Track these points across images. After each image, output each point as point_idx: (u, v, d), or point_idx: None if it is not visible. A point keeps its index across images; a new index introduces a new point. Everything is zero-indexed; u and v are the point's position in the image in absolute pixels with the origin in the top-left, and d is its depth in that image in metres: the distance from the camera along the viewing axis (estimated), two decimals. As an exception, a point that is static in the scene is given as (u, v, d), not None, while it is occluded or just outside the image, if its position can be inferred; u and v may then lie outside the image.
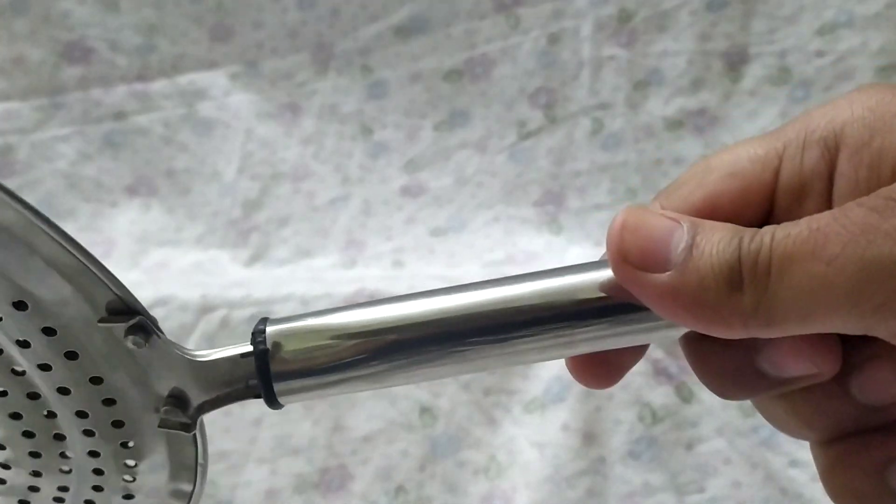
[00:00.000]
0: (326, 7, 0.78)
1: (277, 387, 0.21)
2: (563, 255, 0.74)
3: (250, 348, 0.21)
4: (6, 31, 0.79)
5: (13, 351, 0.22)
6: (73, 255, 0.20)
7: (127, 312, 0.21)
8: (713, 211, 0.21)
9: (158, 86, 0.78)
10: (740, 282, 0.18)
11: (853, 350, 0.21)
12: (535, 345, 0.21)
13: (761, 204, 0.22)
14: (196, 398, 0.22)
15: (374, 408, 0.64)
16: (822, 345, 0.20)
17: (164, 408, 0.22)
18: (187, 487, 0.25)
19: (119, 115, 0.78)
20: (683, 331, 0.22)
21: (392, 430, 0.64)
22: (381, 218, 0.77)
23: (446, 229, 0.76)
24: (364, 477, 0.63)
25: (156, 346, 0.21)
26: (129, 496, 0.25)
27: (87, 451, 0.24)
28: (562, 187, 0.77)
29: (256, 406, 0.65)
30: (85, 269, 0.20)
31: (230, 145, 0.78)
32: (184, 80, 0.79)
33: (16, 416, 0.23)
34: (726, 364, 0.22)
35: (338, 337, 0.20)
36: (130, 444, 0.23)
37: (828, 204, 0.21)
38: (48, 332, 0.21)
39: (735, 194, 0.22)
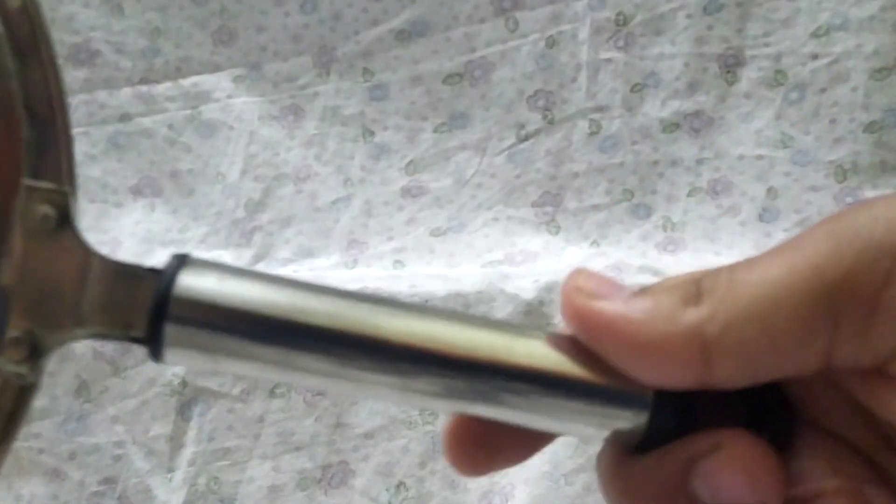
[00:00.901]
0: (328, 11, 0.79)
1: (168, 333, 0.17)
2: (560, 254, 0.75)
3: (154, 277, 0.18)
4: (12, 33, 0.80)
5: None
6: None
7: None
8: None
9: (163, 88, 0.79)
10: (697, 295, 0.17)
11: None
12: (434, 389, 0.18)
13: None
14: (53, 333, 0.17)
15: (376, 405, 0.64)
16: (766, 463, 0.17)
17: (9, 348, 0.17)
18: None
19: (124, 117, 0.78)
20: (606, 431, 0.19)
21: (393, 426, 0.64)
22: (382, 218, 0.77)
23: (446, 229, 0.77)
24: (365, 473, 0.64)
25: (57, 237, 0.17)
26: None
27: None
28: (560, 188, 0.77)
29: (259, 403, 0.66)
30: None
31: (234, 147, 0.78)
32: (188, 82, 0.79)
33: None
34: (654, 487, 0.18)
35: (250, 312, 0.17)
36: None
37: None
38: None
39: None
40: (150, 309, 0.17)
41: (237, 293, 0.17)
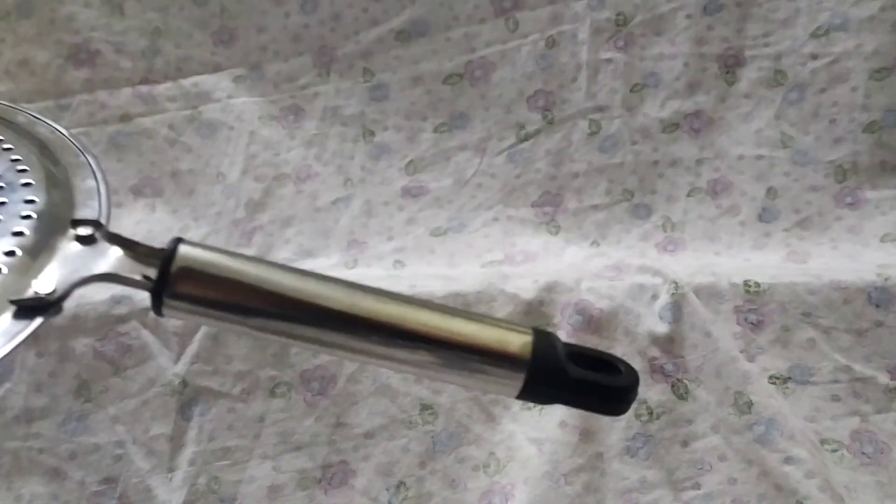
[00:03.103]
0: (328, 11, 0.79)
1: (169, 293, 0.23)
2: (560, 254, 0.75)
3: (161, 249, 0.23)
4: (12, 34, 0.80)
5: None
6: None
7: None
8: None
9: (163, 88, 0.79)
10: None
11: None
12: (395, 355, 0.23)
13: None
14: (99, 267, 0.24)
15: (376, 405, 0.64)
16: None
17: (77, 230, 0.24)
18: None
19: (124, 117, 0.78)
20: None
21: (393, 426, 0.64)
22: (383, 218, 0.77)
23: (446, 229, 0.77)
24: (365, 473, 0.64)
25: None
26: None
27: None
28: (560, 188, 0.77)
29: (260, 403, 0.66)
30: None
31: (234, 147, 0.78)
32: (188, 82, 0.79)
33: None
34: None
35: (236, 280, 0.22)
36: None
37: None
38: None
39: None
40: (162, 258, 0.22)
41: (223, 260, 0.23)
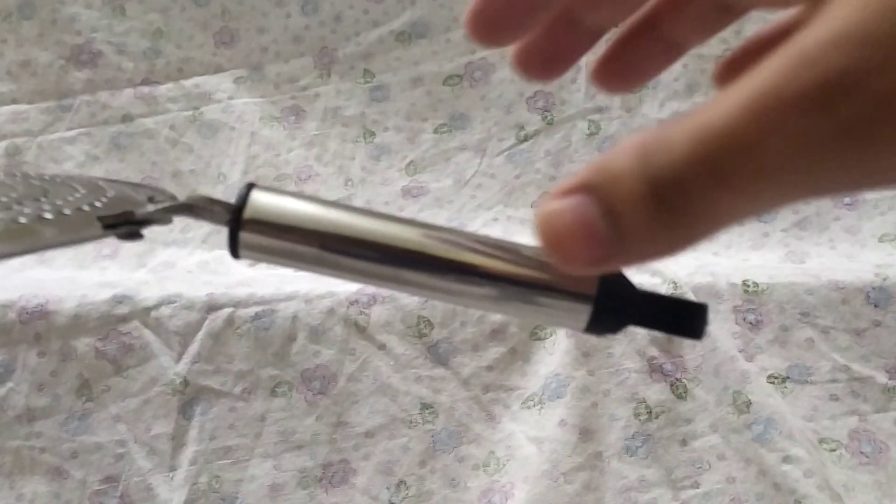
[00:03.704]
0: (329, 13, 0.79)
1: (244, 232, 0.23)
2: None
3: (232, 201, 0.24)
4: (14, 35, 0.80)
5: None
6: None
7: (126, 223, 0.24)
8: None
9: (164, 89, 0.79)
10: (670, 203, 0.15)
11: None
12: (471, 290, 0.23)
13: None
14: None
15: (376, 404, 0.64)
16: None
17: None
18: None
19: (126, 118, 0.79)
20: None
21: (393, 425, 0.64)
22: (383, 219, 0.78)
23: (446, 230, 0.77)
24: (366, 471, 0.64)
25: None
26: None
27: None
28: (559, 189, 0.77)
29: (261, 402, 0.66)
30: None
31: (235, 147, 0.78)
32: (189, 83, 0.79)
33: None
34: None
35: (310, 223, 0.23)
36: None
37: None
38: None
39: None
40: (238, 195, 0.23)
41: (292, 202, 0.23)
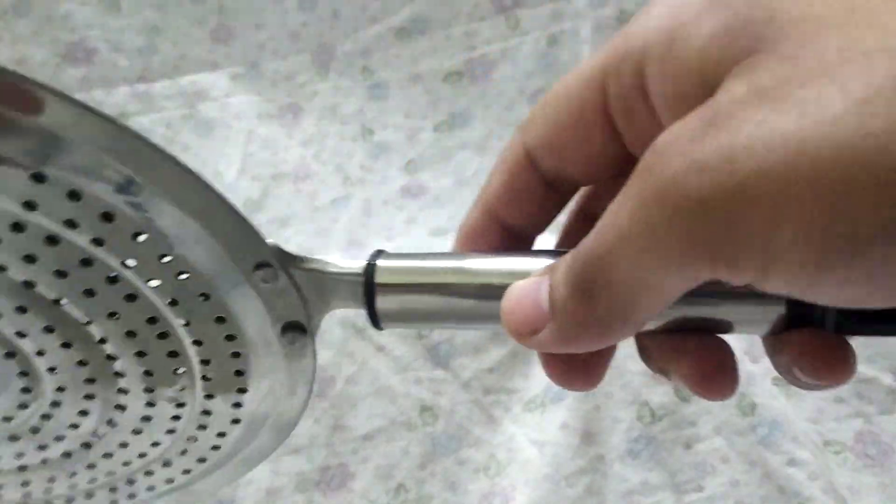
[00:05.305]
0: (327, 9, 0.79)
1: (380, 304, 0.23)
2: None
3: (361, 266, 0.24)
4: (8, 32, 0.80)
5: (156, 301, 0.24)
6: (228, 216, 0.22)
7: (265, 265, 0.24)
8: (562, 141, 0.22)
9: (160, 87, 0.79)
10: (590, 293, 0.18)
11: None
12: None
13: (604, 125, 0.21)
14: (310, 317, 0.24)
15: (375, 406, 0.64)
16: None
17: (287, 336, 0.24)
18: (301, 395, 0.27)
19: (121, 116, 0.78)
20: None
21: (392, 428, 0.64)
22: (382, 218, 0.77)
23: (446, 229, 0.77)
24: (365, 475, 0.63)
25: (279, 281, 0.24)
26: (236, 420, 0.28)
27: (202, 375, 0.25)
28: (561, 188, 0.77)
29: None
30: (237, 228, 0.22)
31: (232, 146, 0.78)
32: (185, 80, 0.79)
33: (135, 339, 0.25)
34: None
35: (435, 285, 0.23)
36: (244, 371, 0.25)
37: (655, 121, 0.19)
38: (204, 297, 0.23)
39: (575, 118, 0.21)
40: (363, 297, 0.23)
41: (418, 265, 0.24)
